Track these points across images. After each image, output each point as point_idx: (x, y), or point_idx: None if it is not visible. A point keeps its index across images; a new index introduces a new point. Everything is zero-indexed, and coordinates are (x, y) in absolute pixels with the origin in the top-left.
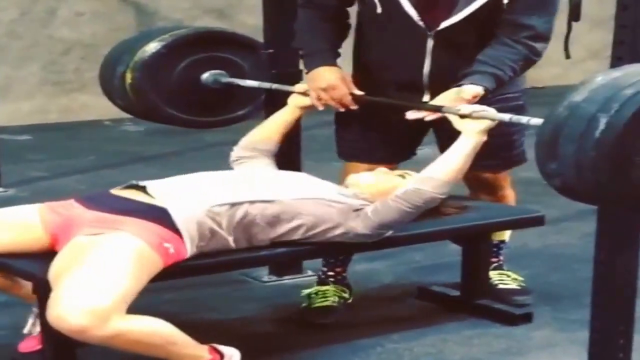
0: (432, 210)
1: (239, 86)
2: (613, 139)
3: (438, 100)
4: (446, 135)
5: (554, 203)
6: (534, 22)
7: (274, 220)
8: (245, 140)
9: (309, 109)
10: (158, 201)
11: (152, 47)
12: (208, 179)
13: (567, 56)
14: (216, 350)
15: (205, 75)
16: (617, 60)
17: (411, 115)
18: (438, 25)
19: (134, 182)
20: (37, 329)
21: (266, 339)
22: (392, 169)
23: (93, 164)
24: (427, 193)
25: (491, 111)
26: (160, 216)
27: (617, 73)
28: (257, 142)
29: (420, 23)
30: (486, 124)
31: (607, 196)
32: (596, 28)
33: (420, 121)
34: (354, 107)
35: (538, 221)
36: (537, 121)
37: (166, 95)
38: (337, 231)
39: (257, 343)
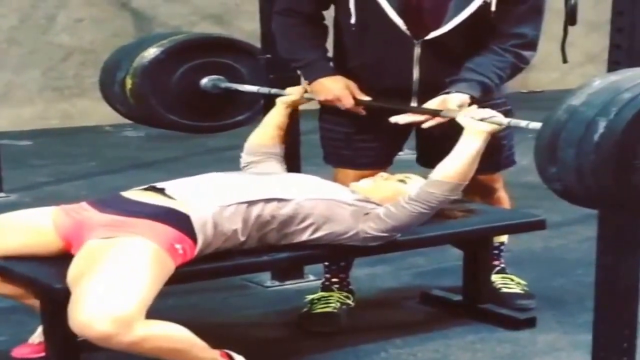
0: (438, 213)
1: (238, 91)
2: (612, 142)
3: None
4: (429, 140)
5: (555, 207)
6: (525, 31)
7: (288, 220)
8: (247, 147)
9: (297, 104)
10: (178, 203)
11: (151, 52)
12: (224, 179)
13: (565, 60)
14: (228, 356)
15: (205, 81)
16: (614, 64)
17: (402, 119)
18: (426, 35)
19: (153, 184)
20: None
21: (269, 344)
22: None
23: (94, 169)
24: (441, 196)
25: (499, 116)
26: (174, 219)
27: (616, 77)
28: (258, 146)
29: (407, 32)
30: (493, 126)
31: (607, 200)
32: (593, 32)
33: (405, 125)
34: (363, 112)
35: (540, 225)
36: (535, 125)
37: (166, 100)
38: (348, 233)
39: (259, 348)
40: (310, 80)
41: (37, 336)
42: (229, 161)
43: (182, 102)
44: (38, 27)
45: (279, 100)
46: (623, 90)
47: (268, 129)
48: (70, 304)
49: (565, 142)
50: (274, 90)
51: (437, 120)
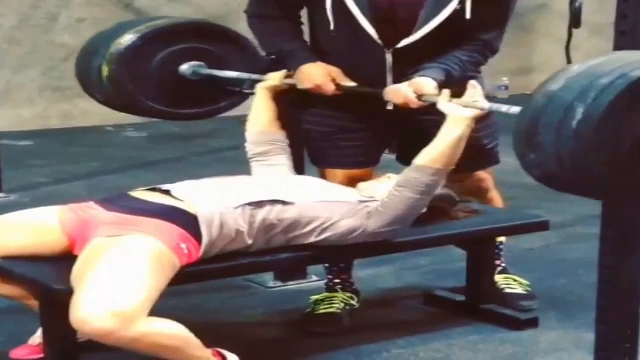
0: (442, 213)
1: (218, 77)
2: (592, 129)
3: (389, 93)
4: (409, 139)
5: (556, 207)
6: (489, 37)
7: (293, 223)
8: (250, 136)
9: (278, 89)
10: (185, 204)
11: (128, 38)
12: (229, 182)
13: (569, 62)
14: (220, 354)
15: (184, 67)
16: None
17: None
18: (397, 44)
19: (158, 186)
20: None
21: (271, 344)
22: (367, 173)
23: (95, 169)
24: (426, 180)
25: (480, 100)
26: (180, 218)
27: (595, 62)
28: (261, 134)
29: (379, 41)
30: (476, 112)
31: (587, 186)
32: (596, 35)
33: (389, 124)
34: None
35: (543, 226)
36: (516, 110)
37: (145, 87)
38: (355, 233)
39: (262, 348)
40: (294, 69)
41: (37, 337)
42: (232, 162)
43: (162, 89)
44: (39, 26)
45: (259, 86)
46: (601, 75)
47: (261, 115)
48: (73, 300)
49: (545, 127)
50: (254, 76)
51: (419, 103)
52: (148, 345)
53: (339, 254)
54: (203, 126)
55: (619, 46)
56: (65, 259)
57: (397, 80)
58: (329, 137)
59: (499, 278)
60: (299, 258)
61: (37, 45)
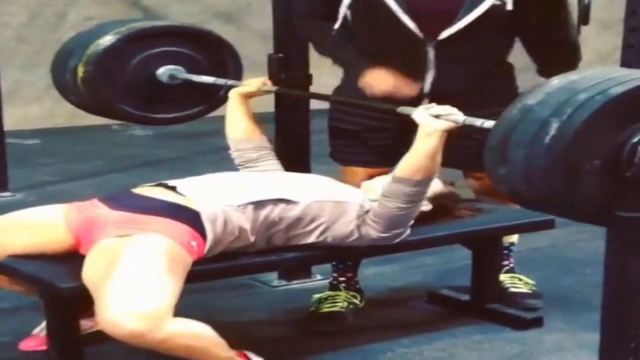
0: (446, 212)
1: (195, 82)
2: (563, 145)
3: None
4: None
5: None
6: (567, 35)
7: (295, 221)
8: (233, 144)
9: (253, 96)
10: (188, 200)
11: (107, 40)
12: (234, 178)
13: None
14: (246, 357)
15: (161, 71)
16: (627, 64)
17: None
18: (438, 36)
19: (164, 182)
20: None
21: (276, 343)
22: (387, 172)
23: (101, 168)
24: (409, 191)
25: (456, 114)
26: (186, 215)
27: (575, 76)
28: (245, 141)
29: (420, 34)
30: (448, 124)
31: (556, 205)
32: (604, 31)
33: (405, 124)
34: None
35: (548, 225)
36: (490, 124)
37: (120, 90)
38: (352, 237)
39: (266, 347)
40: (360, 74)
41: (43, 328)
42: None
43: (138, 93)
44: (47, 25)
45: (232, 92)
46: (579, 91)
47: (241, 122)
48: (100, 303)
49: (516, 143)
50: (230, 82)
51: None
52: (176, 346)
53: (345, 254)
54: (209, 124)
55: (627, 43)
56: (70, 258)
57: (439, 75)
58: (357, 135)
59: (504, 277)
60: (306, 257)
61: (46, 44)
